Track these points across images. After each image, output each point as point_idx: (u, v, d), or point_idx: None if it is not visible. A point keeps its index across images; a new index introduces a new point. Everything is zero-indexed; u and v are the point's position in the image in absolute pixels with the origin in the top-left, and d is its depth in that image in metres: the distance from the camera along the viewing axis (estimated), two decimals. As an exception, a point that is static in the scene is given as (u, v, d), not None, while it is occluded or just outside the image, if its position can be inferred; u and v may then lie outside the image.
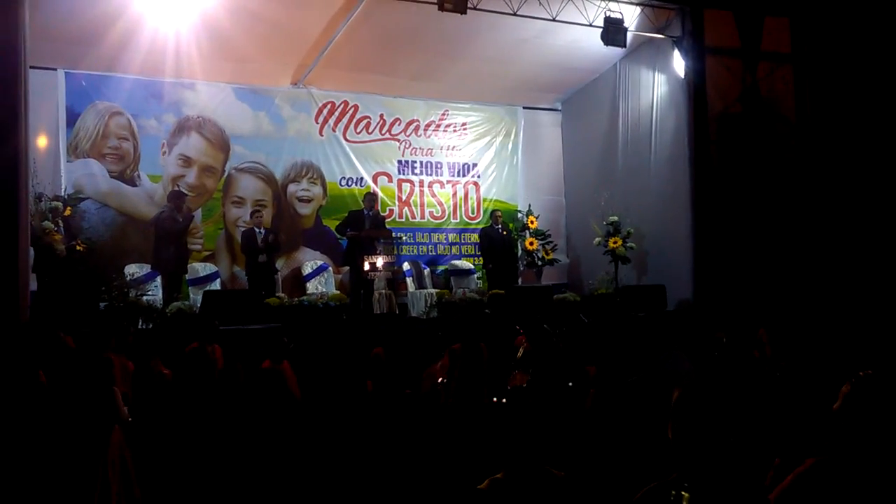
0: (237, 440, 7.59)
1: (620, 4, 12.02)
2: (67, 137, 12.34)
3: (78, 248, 11.02)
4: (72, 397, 6.37)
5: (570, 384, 9.91)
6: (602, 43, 11.92)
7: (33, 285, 9.67)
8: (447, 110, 15.19)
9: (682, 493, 2.43)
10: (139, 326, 9.84)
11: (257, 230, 12.10)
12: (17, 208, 8.76)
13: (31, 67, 9.48)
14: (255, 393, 7.99)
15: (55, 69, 12.19)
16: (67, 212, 11.35)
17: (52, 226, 10.73)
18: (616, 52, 12.74)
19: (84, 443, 6.20)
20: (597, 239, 13.48)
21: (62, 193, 11.65)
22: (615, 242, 13.21)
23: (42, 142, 11.75)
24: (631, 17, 12.30)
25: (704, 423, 2.55)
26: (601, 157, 14.59)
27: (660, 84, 13.29)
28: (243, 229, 12.59)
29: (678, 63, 12.59)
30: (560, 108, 16.09)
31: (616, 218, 13.37)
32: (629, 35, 12.16)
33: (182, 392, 7.88)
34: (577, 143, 15.63)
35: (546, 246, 14.57)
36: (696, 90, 12.43)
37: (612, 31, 11.84)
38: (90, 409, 6.25)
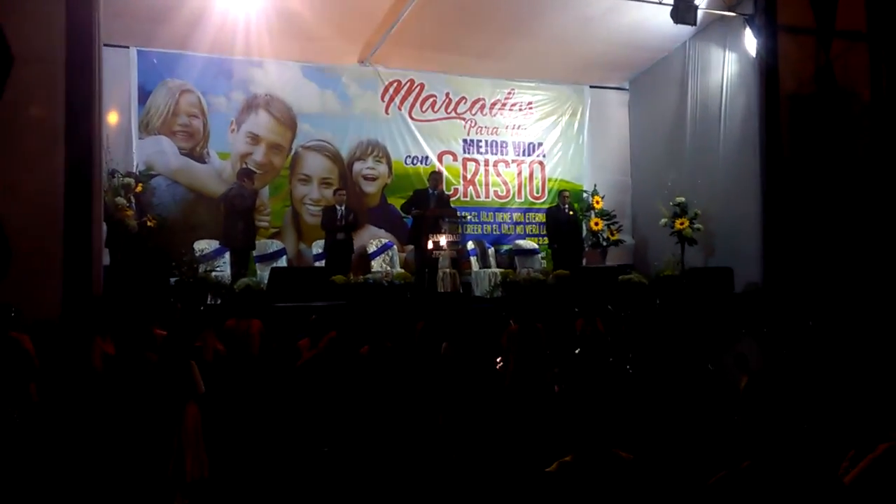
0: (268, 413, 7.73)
1: (691, -19, 11.82)
2: (139, 115, 12.56)
3: (149, 223, 11.25)
4: (153, 370, 6.69)
5: (629, 368, 9.89)
6: (671, 21, 11.72)
7: (106, 259, 9.89)
8: (513, 89, 15.11)
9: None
10: (208, 301, 10.00)
11: (338, 207, 12.22)
12: (91, 184, 8.95)
13: (105, 45, 9.65)
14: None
15: (128, 47, 12.40)
16: (139, 188, 11.59)
17: (125, 202, 10.97)
18: (685, 30, 12.52)
19: (163, 413, 6.48)
20: (663, 220, 13.33)
21: (134, 170, 11.90)
22: (682, 224, 13.05)
23: (114, 119, 11.97)
24: (702, -7, 12.10)
25: (774, 410, 2.51)
26: (669, 137, 14.40)
27: (730, 63, 13.05)
28: (312, 207, 12.75)
29: (749, 42, 12.33)
30: (627, 87, 15.90)
31: (683, 199, 13.20)
32: (699, 13, 11.92)
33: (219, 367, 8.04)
34: (644, 122, 15.45)
35: (611, 226, 14.46)
36: (767, 69, 12.16)
37: (683, 9, 11.63)
38: (169, 382, 6.54)
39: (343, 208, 12.25)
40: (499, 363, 8.83)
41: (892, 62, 12.55)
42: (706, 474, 2.76)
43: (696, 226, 13.02)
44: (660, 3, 11.78)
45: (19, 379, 6.64)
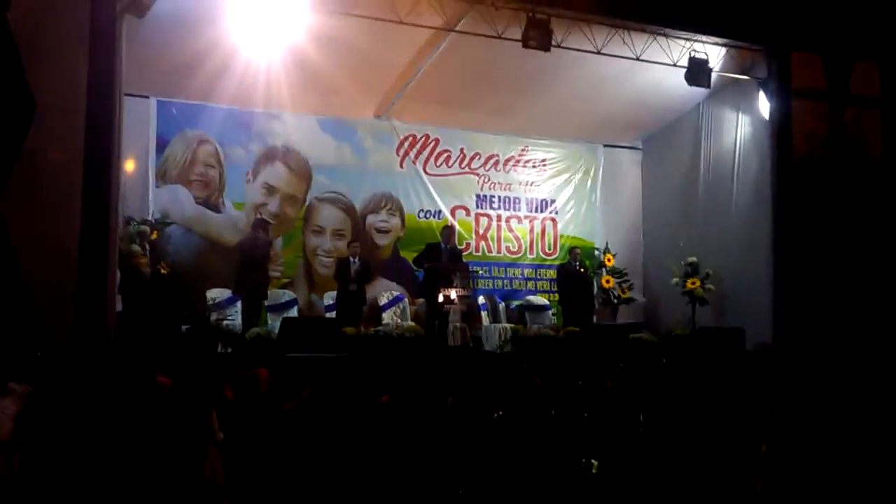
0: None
1: (705, 45, 11.94)
2: (157, 163, 12.68)
3: (163, 271, 11.28)
4: (175, 417, 6.81)
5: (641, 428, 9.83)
6: (685, 83, 11.88)
7: (119, 306, 9.93)
8: (527, 146, 15.23)
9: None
10: (219, 350, 10.00)
11: (351, 259, 12.28)
12: (108, 231, 9.02)
13: (125, 95, 9.79)
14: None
15: (148, 97, 12.57)
16: (154, 235, 11.64)
17: (139, 249, 11.02)
18: (699, 92, 12.68)
19: (184, 458, 6.57)
20: (675, 279, 13.34)
21: (150, 218, 11.97)
22: (693, 283, 13.07)
23: (132, 167, 12.04)
24: (716, 57, 12.21)
25: (794, 477, 2.51)
26: (681, 197, 14.46)
27: (743, 125, 13.17)
28: (325, 259, 12.83)
29: (763, 105, 12.45)
30: (641, 146, 16.00)
31: (695, 259, 13.22)
32: (713, 75, 12.08)
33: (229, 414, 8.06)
34: (657, 182, 15.52)
35: (622, 284, 14.47)
36: (780, 132, 12.24)
37: (697, 72, 11.78)
38: (191, 429, 6.66)
39: (356, 260, 12.30)
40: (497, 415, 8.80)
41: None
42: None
43: (707, 286, 13.02)
44: (674, 65, 11.91)
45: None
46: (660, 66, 12.05)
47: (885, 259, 12.08)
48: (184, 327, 10.17)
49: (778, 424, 8.70)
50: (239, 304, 11.75)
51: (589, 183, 15.67)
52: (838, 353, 10.76)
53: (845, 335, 11.38)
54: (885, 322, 11.59)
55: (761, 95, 12.45)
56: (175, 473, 6.56)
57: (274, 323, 11.62)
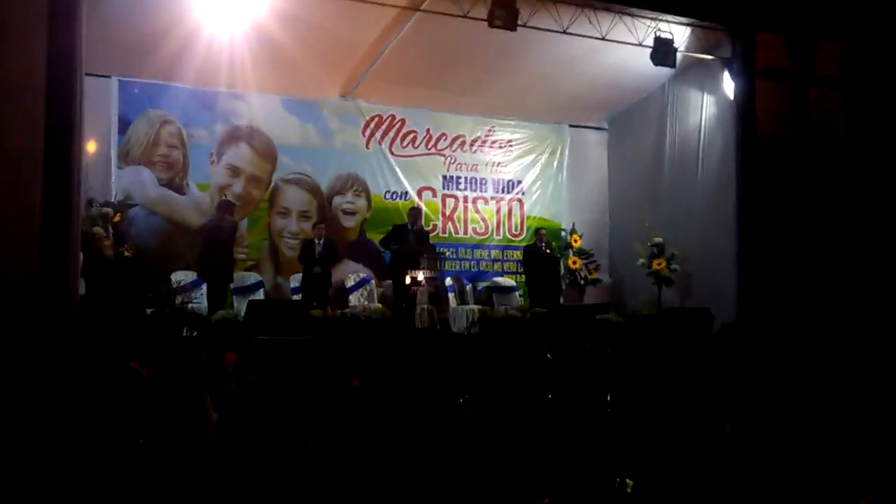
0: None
1: (671, 24, 11.96)
2: (119, 144, 12.50)
3: (126, 253, 11.16)
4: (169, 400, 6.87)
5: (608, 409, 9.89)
6: (651, 63, 11.90)
7: (82, 289, 9.81)
8: (493, 127, 15.19)
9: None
10: (184, 333, 9.91)
11: (316, 241, 12.21)
12: (70, 213, 8.91)
13: (86, 75, 9.63)
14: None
15: (109, 77, 12.37)
16: (117, 218, 11.52)
17: (102, 231, 10.89)
18: (665, 72, 12.71)
19: (180, 440, 6.64)
20: (640, 260, 13.40)
21: (112, 199, 11.83)
22: (659, 264, 13.12)
23: (94, 148, 11.89)
24: (681, 37, 12.25)
25: (758, 457, 2.50)
26: (647, 177, 14.52)
27: (708, 105, 13.22)
28: (291, 241, 12.75)
29: (728, 84, 12.50)
30: (607, 127, 16.03)
31: (661, 239, 13.27)
32: (679, 55, 12.11)
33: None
34: (623, 162, 15.56)
35: (589, 265, 14.51)
36: (745, 112, 12.31)
37: (662, 52, 11.80)
38: (185, 411, 6.72)
39: (321, 242, 12.23)
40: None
41: (867, 106, 12.74)
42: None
43: (673, 266, 13.09)
44: (640, 45, 11.91)
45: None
46: (625, 45, 12.03)
47: (848, 238, 12.22)
48: (148, 310, 10.06)
49: (742, 405, 8.79)
50: (204, 286, 11.65)
51: (555, 163, 15.67)
52: (803, 332, 10.88)
53: (810, 315, 11.51)
54: (850, 301, 11.74)
55: (726, 75, 12.50)
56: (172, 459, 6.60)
57: (240, 306, 11.55)
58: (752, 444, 2.54)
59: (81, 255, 9.75)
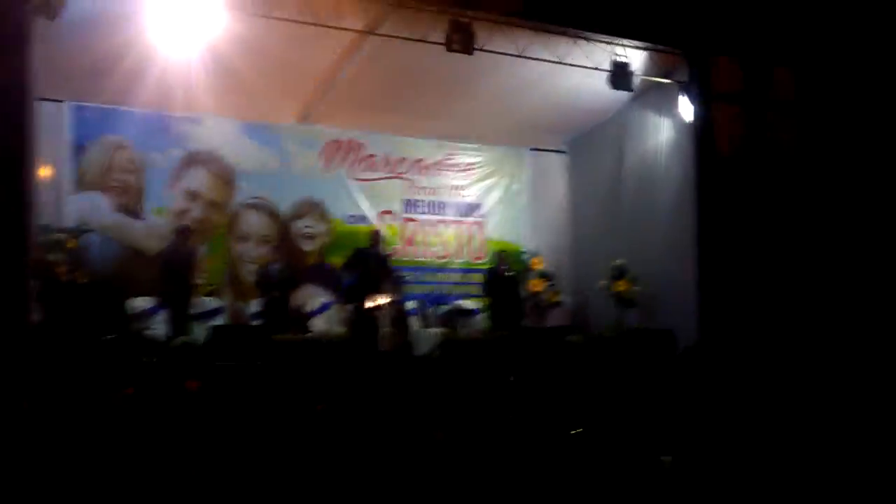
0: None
1: (627, 49, 12.05)
2: (73, 170, 12.36)
3: (80, 280, 10.98)
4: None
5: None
6: (609, 86, 11.97)
7: (37, 316, 9.61)
8: (453, 150, 15.24)
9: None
10: (143, 360, 9.74)
11: (271, 266, 12.13)
12: (23, 240, 8.73)
13: (39, 99, 9.49)
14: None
15: (62, 101, 12.24)
16: (72, 244, 11.33)
17: (57, 258, 10.70)
18: (622, 95, 12.75)
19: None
20: (602, 281, 13.42)
21: (67, 226, 11.64)
22: (620, 286, 13.16)
23: (47, 173, 11.70)
24: (638, 61, 12.34)
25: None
26: (608, 199, 14.58)
27: (666, 128, 13.31)
28: (252, 266, 12.64)
29: (685, 108, 12.61)
30: (567, 150, 16.10)
31: (622, 261, 13.31)
32: (636, 79, 12.20)
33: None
34: (583, 184, 15.62)
35: (551, 288, 14.51)
36: (702, 135, 12.42)
37: (619, 75, 11.89)
38: None
39: (276, 266, 12.14)
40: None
41: (819, 128, 12.94)
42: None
43: (635, 287, 13.12)
44: (596, 69, 11.98)
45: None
46: (582, 69, 12.10)
47: (805, 257, 12.37)
48: (106, 337, 9.89)
49: (700, 426, 8.82)
50: (163, 313, 11.47)
51: (515, 186, 15.73)
52: (764, 350, 10.95)
53: (770, 332, 11.60)
54: (808, 319, 11.85)
55: (683, 99, 12.60)
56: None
57: (199, 332, 11.38)
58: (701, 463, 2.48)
59: (37, 282, 9.56)
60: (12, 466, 6.77)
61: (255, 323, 12.40)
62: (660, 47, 12.41)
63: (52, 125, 11.80)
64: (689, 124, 12.59)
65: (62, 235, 11.21)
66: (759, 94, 12.79)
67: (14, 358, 8.20)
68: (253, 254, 13.26)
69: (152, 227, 12.75)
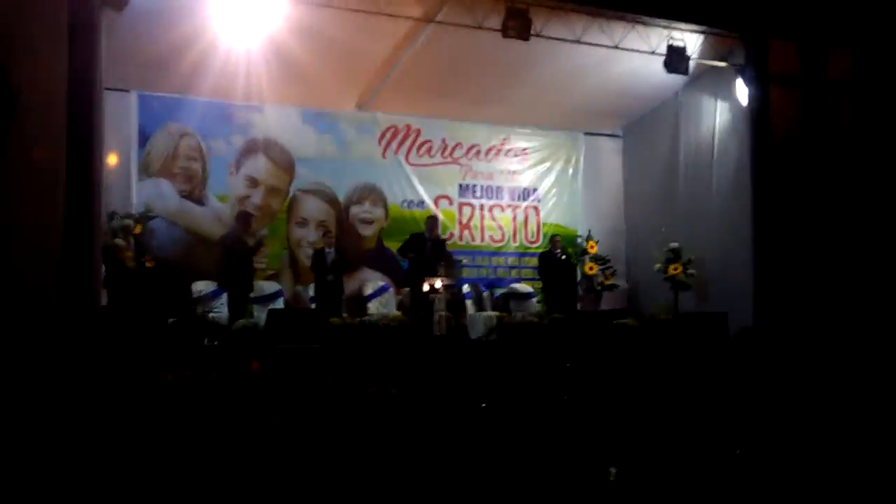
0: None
1: (683, 32, 12.03)
2: (139, 157, 12.69)
3: (147, 264, 11.30)
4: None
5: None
6: (664, 70, 11.96)
7: (104, 300, 9.94)
8: (509, 135, 15.30)
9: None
10: (205, 343, 10.03)
11: (327, 250, 12.32)
12: (92, 226, 9.04)
13: (106, 89, 9.78)
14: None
15: (129, 91, 12.57)
16: (138, 229, 11.67)
17: (123, 243, 11.03)
18: (678, 79, 12.73)
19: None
20: (657, 265, 13.44)
21: (133, 212, 11.99)
22: (675, 269, 13.16)
23: (114, 161, 12.03)
24: (694, 44, 12.31)
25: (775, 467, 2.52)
26: (662, 183, 14.58)
27: (722, 111, 13.27)
28: (309, 250, 12.86)
29: (741, 91, 12.54)
30: (621, 134, 16.10)
31: (677, 244, 13.31)
32: (691, 63, 12.17)
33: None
34: (638, 168, 15.63)
35: (605, 271, 14.56)
36: (758, 118, 12.35)
37: (675, 59, 11.87)
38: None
39: (332, 251, 12.34)
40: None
41: (880, 111, 12.75)
42: None
43: (689, 271, 13.12)
44: (652, 53, 11.99)
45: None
46: (638, 53, 12.12)
47: (864, 242, 12.23)
48: (170, 320, 10.19)
49: (759, 409, 8.83)
50: (225, 296, 11.77)
51: (570, 171, 15.77)
52: (820, 335, 10.89)
53: (827, 317, 11.52)
54: (866, 303, 11.74)
55: (739, 82, 12.54)
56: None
57: (260, 315, 11.66)
58: (769, 454, 2.53)
59: (103, 267, 9.89)
60: (81, 448, 7.07)
61: (313, 306, 12.63)
62: (716, 30, 12.36)
63: (120, 114, 12.16)
64: (746, 107, 12.52)
65: (129, 221, 11.53)
66: (817, 76, 12.65)
67: (82, 341, 8.52)
68: (311, 238, 13.50)
69: (215, 213, 13.06)
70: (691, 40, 12.19)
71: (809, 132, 12.43)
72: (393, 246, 13.71)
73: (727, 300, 12.53)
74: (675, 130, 14.24)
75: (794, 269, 11.99)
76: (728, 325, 12.09)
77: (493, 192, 15.19)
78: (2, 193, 8.45)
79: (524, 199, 15.38)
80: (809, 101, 12.44)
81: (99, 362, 8.19)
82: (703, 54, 12.60)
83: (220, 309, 11.62)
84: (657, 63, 11.97)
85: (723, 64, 12.73)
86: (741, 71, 12.48)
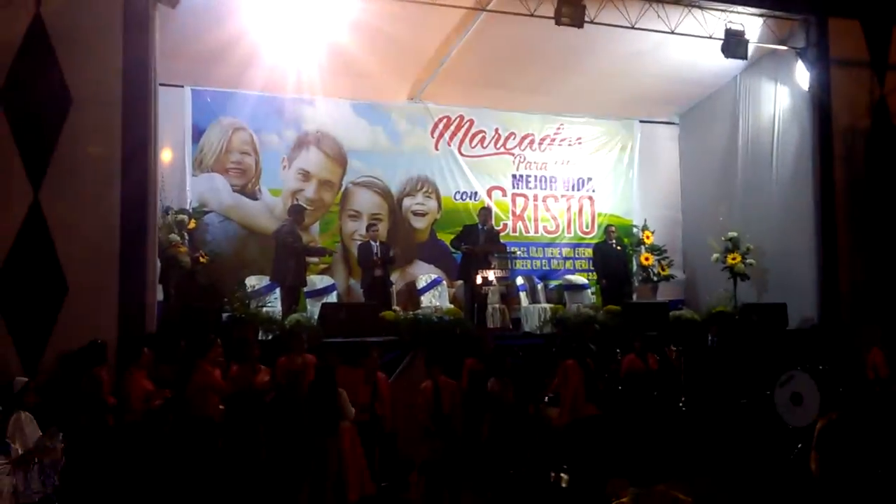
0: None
1: (741, 15, 11.76)
2: (193, 152, 12.74)
3: (201, 259, 11.34)
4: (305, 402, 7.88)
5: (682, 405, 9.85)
6: (722, 55, 11.69)
7: (159, 296, 10.00)
8: (562, 124, 15.10)
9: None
10: (259, 337, 10.03)
11: (373, 244, 12.26)
12: (146, 221, 9.10)
13: (160, 85, 9.82)
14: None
15: (182, 86, 12.61)
16: (192, 224, 11.72)
17: (178, 238, 11.08)
18: (736, 64, 12.45)
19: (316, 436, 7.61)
20: (715, 255, 13.19)
21: (187, 207, 12.04)
22: (734, 259, 12.92)
23: (168, 156, 12.09)
24: (752, 28, 12.02)
25: (855, 455, 2.38)
26: (720, 171, 14.30)
27: (782, 97, 12.97)
28: (359, 243, 12.79)
29: (801, 75, 12.25)
30: (678, 121, 15.82)
31: (735, 234, 13.07)
32: (750, 46, 11.88)
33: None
34: (695, 157, 15.35)
35: (662, 261, 14.33)
36: (820, 103, 12.08)
37: (733, 44, 11.59)
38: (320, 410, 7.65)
39: (378, 244, 12.28)
40: (547, 396, 8.81)
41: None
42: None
43: (748, 261, 12.86)
44: (710, 37, 11.73)
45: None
46: (695, 39, 11.87)
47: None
48: (224, 315, 10.22)
49: (819, 397, 8.63)
50: (278, 290, 11.77)
51: (626, 159, 15.52)
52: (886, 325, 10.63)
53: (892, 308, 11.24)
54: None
55: (799, 65, 12.24)
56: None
57: (313, 309, 11.64)
58: (844, 442, 2.39)
59: (158, 262, 9.94)
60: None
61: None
62: (775, 12, 12.09)
63: (174, 109, 12.19)
64: (807, 92, 12.23)
65: (183, 216, 11.57)
66: (882, 58, 12.32)
67: (139, 335, 8.59)
68: (364, 231, 13.46)
69: (268, 207, 13.07)
70: (749, 23, 11.91)
71: (874, 116, 12.10)
72: (446, 238, 13.62)
73: (787, 290, 12.29)
74: (734, 117, 13.96)
75: (860, 260, 11.69)
76: (787, 317, 11.88)
77: (546, 182, 15.00)
78: (58, 189, 8.54)
79: (578, 189, 15.18)
80: (873, 84, 12.11)
81: (156, 356, 8.26)
82: (762, 38, 12.31)
83: (274, 303, 11.61)
84: (714, 48, 11.72)
85: (782, 47, 12.45)
86: (801, 54, 12.20)
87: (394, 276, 13.05)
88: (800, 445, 9.12)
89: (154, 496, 7.22)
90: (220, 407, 8.02)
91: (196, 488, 7.43)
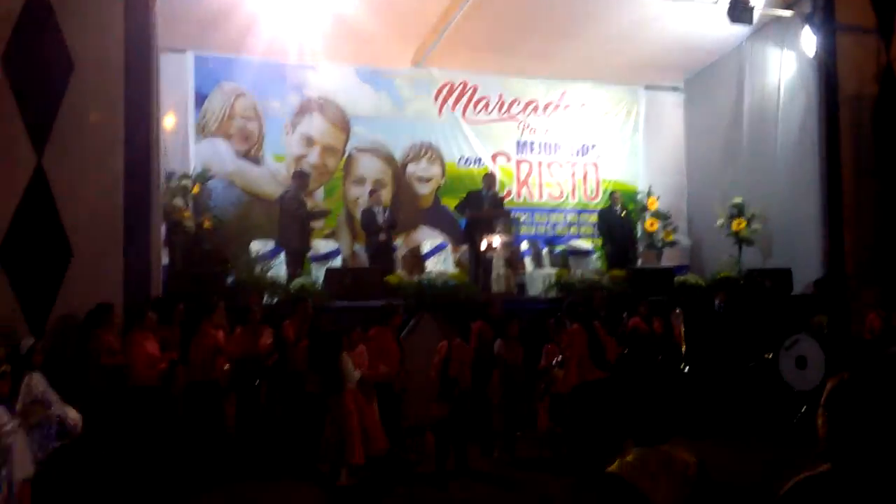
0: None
1: (747, -21, 11.67)
2: (196, 118, 12.72)
3: (205, 224, 11.36)
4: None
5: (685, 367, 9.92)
6: (727, 21, 11.57)
7: (164, 260, 10.03)
8: (566, 90, 15.03)
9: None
10: (264, 301, 10.06)
11: (376, 209, 12.25)
12: (150, 186, 9.11)
13: (162, 50, 9.79)
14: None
15: (184, 51, 12.56)
16: (196, 190, 11.72)
17: (182, 203, 11.09)
18: (742, 30, 12.38)
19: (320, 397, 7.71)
20: (720, 221, 13.17)
21: (191, 172, 12.03)
22: (739, 224, 12.89)
23: (171, 122, 12.08)
24: (758, -7, 11.94)
25: (865, 416, 2.37)
26: (725, 138, 14.22)
27: (788, 63, 12.86)
28: (363, 208, 12.80)
29: (807, 41, 12.13)
30: (683, 87, 15.73)
31: (740, 200, 13.03)
32: (756, 12, 11.77)
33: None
34: (700, 123, 15.27)
35: (666, 227, 14.30)
36: (826, 70, 11.98)
37: (739, 8, 11.48)
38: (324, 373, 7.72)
39: (381, 209, 12.27)
40: (556, 361, 8.85)
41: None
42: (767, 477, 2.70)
43: (753, 227, 12.84)
44: (715, 2, 11.64)
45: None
46: (701, 4, 11.78)
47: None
48: (229, 279, 10.26)
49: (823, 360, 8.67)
50: (283, 255, 11.79)
51: (630, 125, 15.47)
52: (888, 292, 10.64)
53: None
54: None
55: (806, 31, 12.13)
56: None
57: (318, 273, 11.68)
58: (859, 403, 2.37)
59: (163, 227, 9.96)
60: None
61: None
62: (782, -24, 11.98)
63: (176, 75, 12.16)
64: (813, 58, 12.13)
65: (187, 182, 11.58)
66: (889, 24, 12.21)
67: (144, 299, 8.63)
68: (368, 197, 13.45)
69: (271, 173, 13.07)
70: (756, -12, 11.80)
71: (880, 83, 12.01)
72: (450, 204, 13.62)
73: (792, 256, 12.29)
74: (739, 83, 13.87)
75: (865, 225, 11.67)
76: (792, 282, 11.88)
77: (551, 148, 14.96)
78: (61, 154, 8.53)
79: (583, 155, 15.14)
80: (881, 51, 12.01)
81: (160, 318, 8.31)
82: (768, 3, 12.20)
83: (279, 268, 11.64)
84: (720, 14, 11.60)
85: (788, 13, 12.33)
86: (808, 19, 12.07)
87: (398, 242, 13.07)
88: (804, 408, 9.20)
89: (160, 457, 7.31)
90: (225, 368, 8.10)
91: (201, 448, 7.52)
